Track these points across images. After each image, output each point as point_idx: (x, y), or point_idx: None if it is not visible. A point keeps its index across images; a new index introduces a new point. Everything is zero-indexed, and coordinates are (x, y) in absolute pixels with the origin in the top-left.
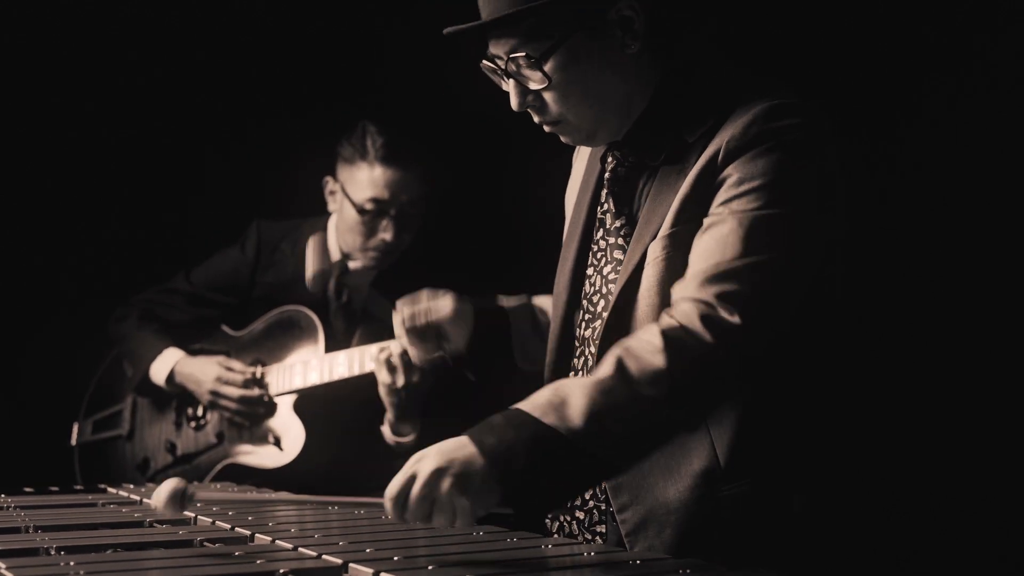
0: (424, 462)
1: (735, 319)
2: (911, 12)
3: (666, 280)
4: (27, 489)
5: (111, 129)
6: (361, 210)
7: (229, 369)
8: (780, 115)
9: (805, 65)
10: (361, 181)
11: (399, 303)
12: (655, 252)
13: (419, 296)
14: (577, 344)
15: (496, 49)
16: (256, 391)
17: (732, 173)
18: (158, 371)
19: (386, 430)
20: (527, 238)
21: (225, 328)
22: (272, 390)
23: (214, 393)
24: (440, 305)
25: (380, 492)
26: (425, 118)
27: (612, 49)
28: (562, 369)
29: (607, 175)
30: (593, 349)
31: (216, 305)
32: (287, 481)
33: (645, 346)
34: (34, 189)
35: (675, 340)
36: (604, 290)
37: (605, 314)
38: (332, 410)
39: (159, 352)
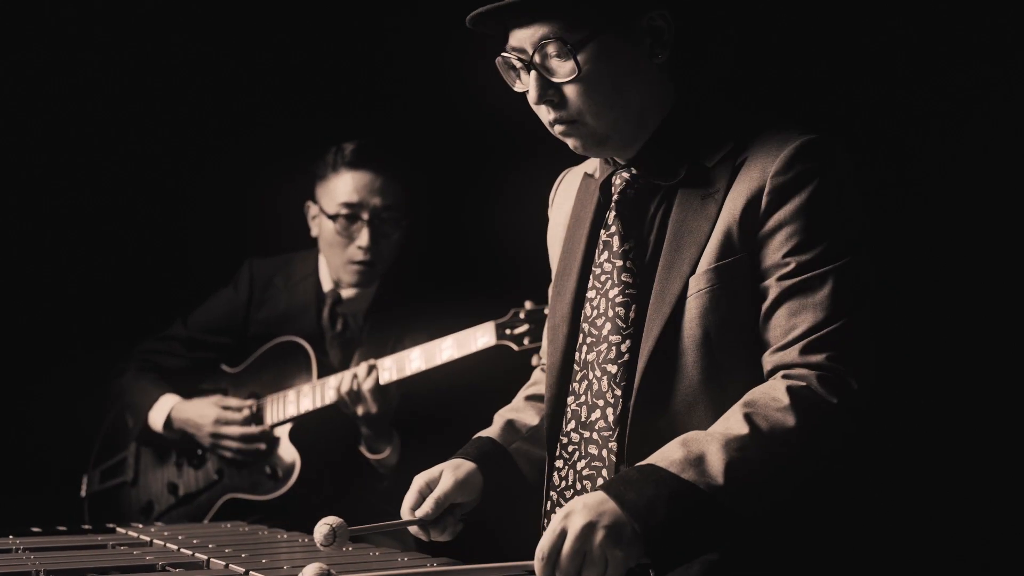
0: (572, 517)
1: (854, 383)
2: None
3: (709, 312)
4: (35, 529)
5: (98, 180)
6: (335, 217)
7: (227, 408)
8: (818, 151)
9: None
10: (333, 191)
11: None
12: (699, 284)
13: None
14: (577, 368)
15: (521, 41)
16: (256, 428)
17: (786, 221)
18: (155, 419)
19: (363, 449)
20: (519, 258)
21: (223, 367)
22: (268, 420)
23: (215, 436)
24: (445, 486)
25: (370, 517)
26: (407, 132)
27: (640, 56)
28: (562, 395)
29: (615, 197)
30: (599, 373)
31: (213, 348)
32: (285, 511)
33: (771, 403)
34: (26, 244)
35: (802, 399)
36: (610, 313)
37: (613, 337)
38: (327, 436)
39: (155, 400)
